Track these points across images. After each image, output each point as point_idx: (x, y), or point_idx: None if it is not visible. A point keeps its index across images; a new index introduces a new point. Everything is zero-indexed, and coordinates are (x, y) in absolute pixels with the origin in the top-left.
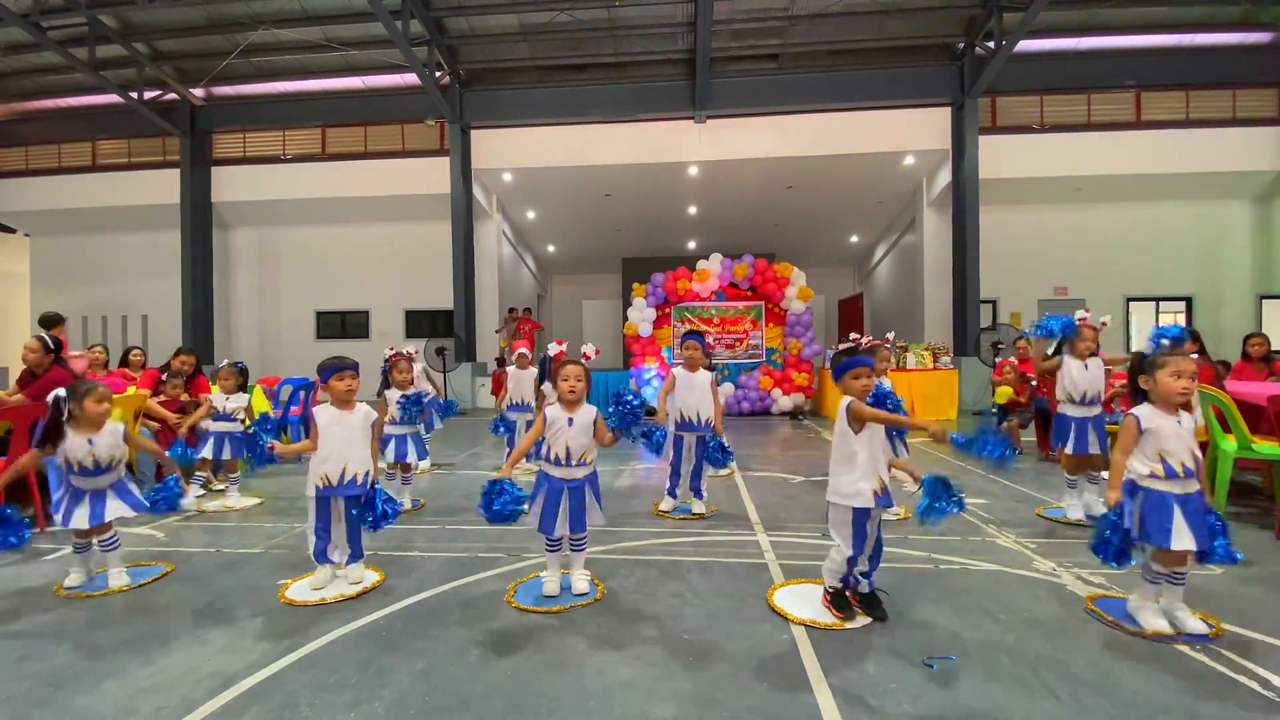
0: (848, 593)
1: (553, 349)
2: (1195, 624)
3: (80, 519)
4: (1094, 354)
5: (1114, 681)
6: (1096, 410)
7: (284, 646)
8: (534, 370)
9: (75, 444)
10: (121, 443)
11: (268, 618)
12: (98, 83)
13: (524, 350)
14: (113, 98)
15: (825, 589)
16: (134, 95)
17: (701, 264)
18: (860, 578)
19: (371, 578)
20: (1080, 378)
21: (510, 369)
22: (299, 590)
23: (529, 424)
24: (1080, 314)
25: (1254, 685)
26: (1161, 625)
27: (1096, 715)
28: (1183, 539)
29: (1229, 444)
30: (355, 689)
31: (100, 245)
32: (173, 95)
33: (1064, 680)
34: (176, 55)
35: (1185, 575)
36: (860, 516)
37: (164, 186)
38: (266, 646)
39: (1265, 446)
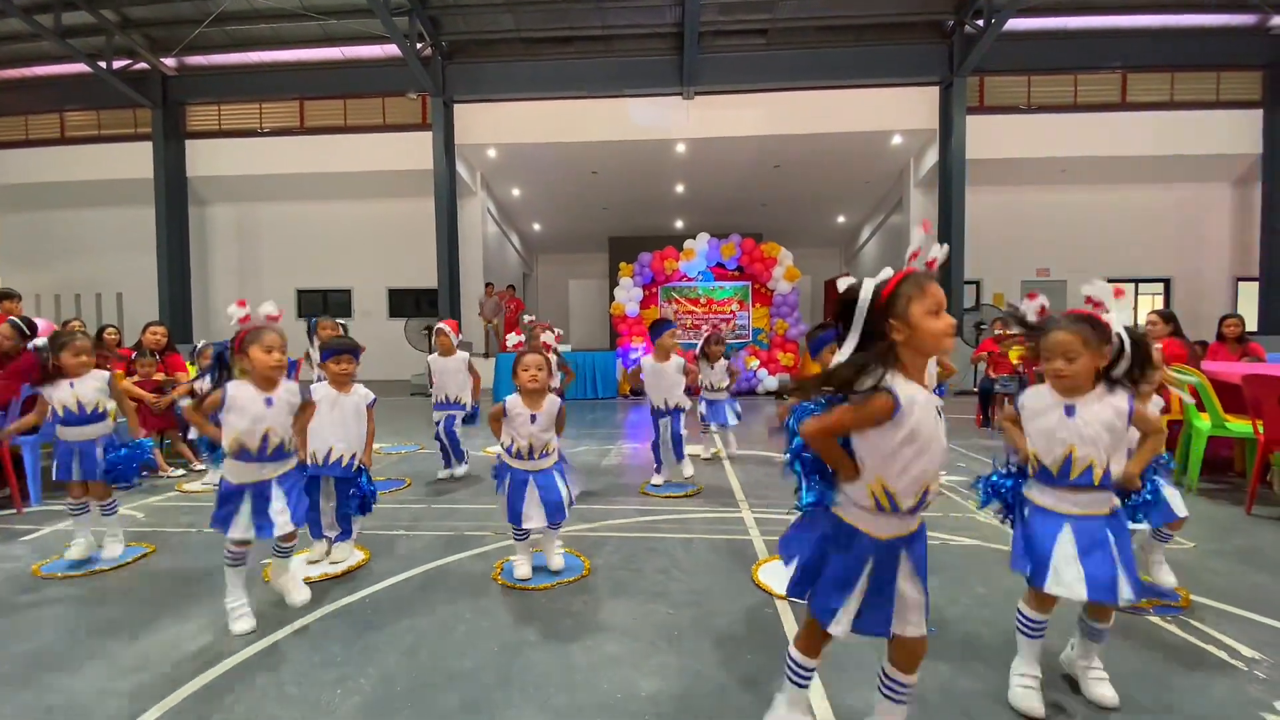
0: None
1: (511, 340)
2: (1169, 578)
3: (75, 472)
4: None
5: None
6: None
7: (268, 625)
8: (462, 356)
9: (57, 389)
10: (106, 389)
11: (252, 597)
12: (64, 51)
13: (444, 327)
14: (81, 67)
15: None
16: (103, 65)
17: (689, 243)
18: None
19: (357, 557)
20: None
21: (432, 358)
22: None
23: (449, 419)
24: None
25: (1222, 655)
26: (1171, 581)
27: (1072, 688)
28: (1180, 507)
29: (1203, 422)
30: (341, 666)
31: (71, 221)
32: (143, 65)
33: (1041, 651)
34: (146, 23)
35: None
36: None
37: (136, 160)
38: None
39: (1238, 425)
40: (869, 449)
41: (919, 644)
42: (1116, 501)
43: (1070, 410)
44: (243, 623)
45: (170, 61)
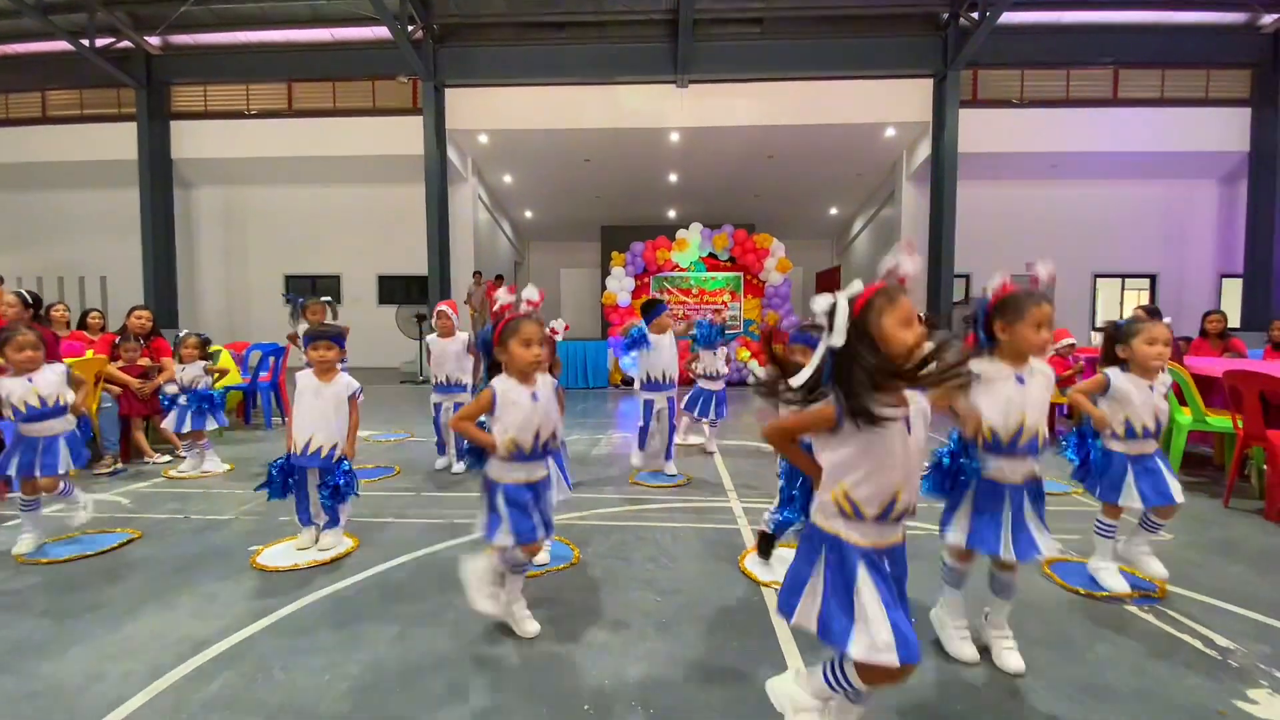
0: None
1: (502, 296)
2: (1157, 567)
3: (37, 468)
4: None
5: (1066, 640)
6: (1152, 446)
7: (256, 611)
8: (462, 337)
9: (14, 385)
10: (66, 383)
11: (239, 583)
12: (45, 28)
13: (445, 309)
14: (63, 45)
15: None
16: (85, 43)
17: (681, 233)
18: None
19: (345, 544)
20: (1140, 399)
21: (431, 338)
22: (271, 556)
23: (456, 406)
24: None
25: (1197, 644)
26: (1121, 587)
27: (1048, 671)
28: (1131, 497)
29: (1184, 417)
30: (329, 652)
31: (54, 202)
32: (127, 43)
33: (1018, 639)
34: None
35: (1160, 526)
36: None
37: (120, 141)
38: (238, 612)
39: (1217, 419)
40: (825, 456)
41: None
42: (1039, 467)
43: (1021, 379)
44: (531, 624)
45: (154, 40)
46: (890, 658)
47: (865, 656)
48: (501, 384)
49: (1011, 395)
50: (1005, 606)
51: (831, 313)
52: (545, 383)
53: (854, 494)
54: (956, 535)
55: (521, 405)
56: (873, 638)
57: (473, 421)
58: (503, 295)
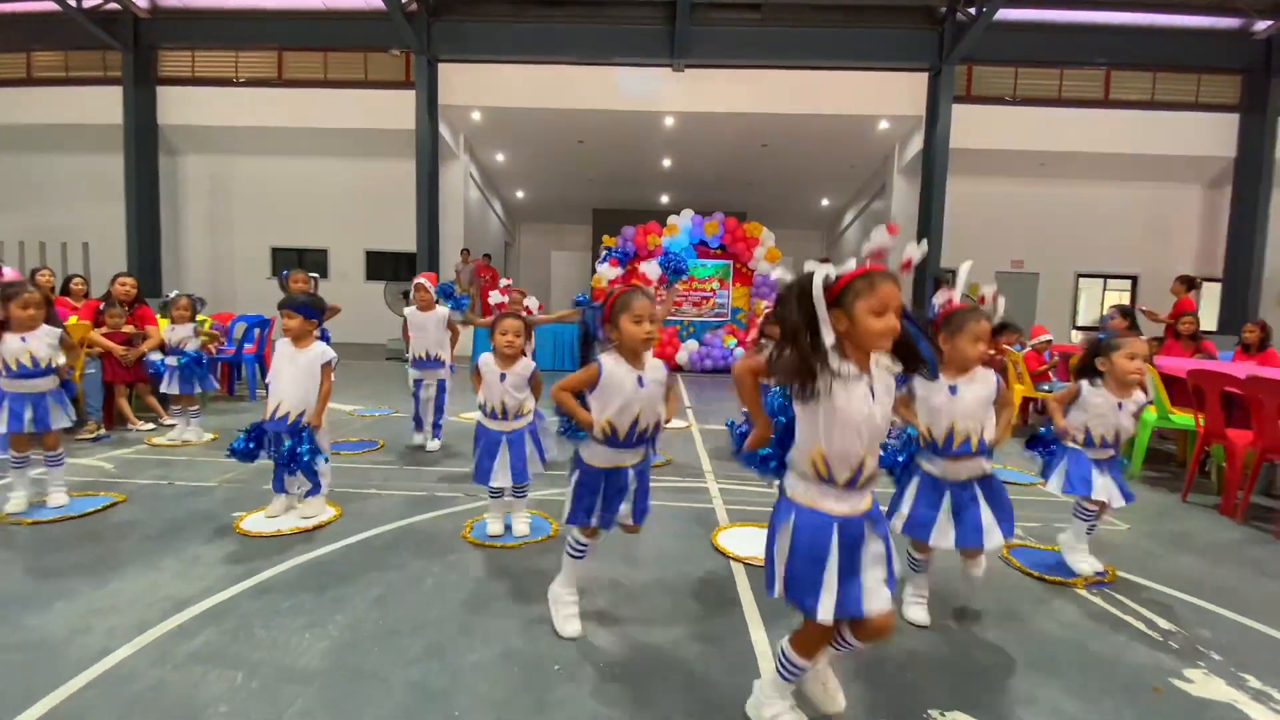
0: None
1: (494, 298)
2: (1083, 565)
3: (27, 424)
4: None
5: (1015, 618)
6: (1110, 454)
7: (239, 574)
8: (441, 311)
9: (9, 341)
10: (58, 344)
11: (222, 547)
12: None
13: (423, 281)
14: (50, 5)
15: None
16: (72, 2)
17: (672, 219)
18: None
19: (328, 513)
20: (1105, 414)
21: (409, 311)
22: (254, 522)
23: (440, 383)
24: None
25: (1140, 625)
26: (1086, 568)
27: (994, 645)
28: (1101, 492)
29: (1149, 414)
30: (310, 613)
31: (36, 166)
32: (114, 4)
33: (972, 617)
34: None
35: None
36: None
37: (105, 105)
38: (221, 574)
39: (1180, 417)
40: (801, 418)
41: (886, 621)
42: (989, 466)
43: (954, 389)
44: (573, 624)
45: (143, 2)
46: (815, 615)
47: (827, 617)
48: (609, 361)
49: (941, 404)
50: (923, 580)
51: (808, 280)
52: (655, 368)
53: (828, 455)
54: (896, 521)
55: (624, 388)
56: (832, 601)
57: (573, 393)
58: (606, 271)
